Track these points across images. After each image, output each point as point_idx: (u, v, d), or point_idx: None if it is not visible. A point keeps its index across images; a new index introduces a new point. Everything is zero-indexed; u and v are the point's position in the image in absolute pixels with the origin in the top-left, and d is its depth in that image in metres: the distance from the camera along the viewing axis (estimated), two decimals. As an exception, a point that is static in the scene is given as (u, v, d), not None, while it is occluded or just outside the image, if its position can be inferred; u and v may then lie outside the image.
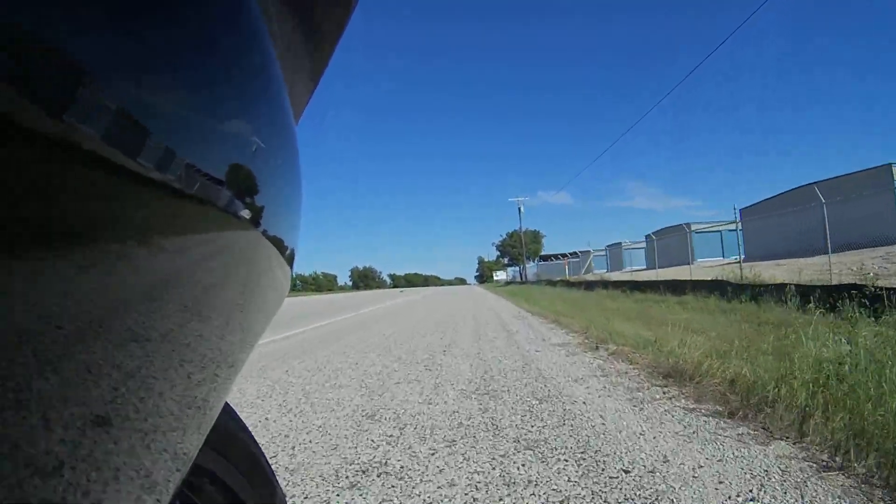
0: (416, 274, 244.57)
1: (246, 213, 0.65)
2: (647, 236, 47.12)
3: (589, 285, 30.33)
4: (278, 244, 0.82)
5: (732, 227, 39.26)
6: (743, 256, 38.10)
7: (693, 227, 39.74)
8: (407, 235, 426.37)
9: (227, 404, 0.99)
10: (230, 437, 1.11)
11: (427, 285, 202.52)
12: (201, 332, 0.58)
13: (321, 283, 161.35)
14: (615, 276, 33.61)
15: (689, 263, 39.38)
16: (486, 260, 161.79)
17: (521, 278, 76.00)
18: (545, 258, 76.17)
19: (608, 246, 56.24)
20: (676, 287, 18.73)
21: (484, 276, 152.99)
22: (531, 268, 76.75)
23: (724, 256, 42.79)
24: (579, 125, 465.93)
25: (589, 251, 53.70)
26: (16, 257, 0.32)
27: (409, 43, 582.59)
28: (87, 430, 0.40)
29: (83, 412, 0.40)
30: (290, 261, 0.93)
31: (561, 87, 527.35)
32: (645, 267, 47.37)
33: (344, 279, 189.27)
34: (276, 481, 1.27)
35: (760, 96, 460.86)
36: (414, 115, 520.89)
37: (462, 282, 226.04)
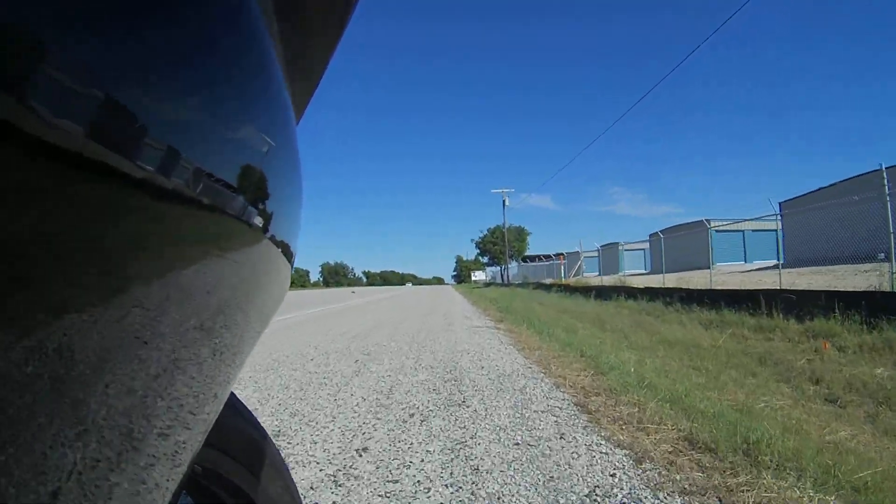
0: (392, 272, 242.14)
1: (251, 215, 0.65)
2: (652, 235, 41.29)
3: (601, 293, 22.29)
4: (282, 245, 0.82)
5: (759, 226, 32.92)
6: (782, 261, 31.05)
7: (713, 225, 32.50)
8: (385, 234, 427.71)
9: (238, 401, 1.07)
10: (237, 434, 1.10)
11: (403, 284, 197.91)
12: (205, 333, 0.57)
13: None
14: (642, 279, 25.35)
15: (706, 268, 32.89)
16: (464, 259, 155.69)
17: (503, 279, 68.99)
18: (531, 258, 68.30)
19: (602, 246, 49.42)
20: (795, 305, 10.44)
21: (461, 276, 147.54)
22: (513, 268, 70.29)
23: (746, 261, 35.99)
24: (571, 126, 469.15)
25: (578, 252, 47.05)
26: (21, 259, 0.32)
27: (404, 43, 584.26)
28: (85, 429, 0.40)
29: (82, 411, 0.39)
30: (291, 261, 0.93)
31: (551, 88, 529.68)
32: (647, 271, 39.90)
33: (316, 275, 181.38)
34: (290, 477, 1.25)
35: (747, 104, 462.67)
36: (397, 114, 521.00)
37: (440, 281, 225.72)
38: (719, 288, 15.10)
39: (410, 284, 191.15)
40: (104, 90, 0.37)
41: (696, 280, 18.81)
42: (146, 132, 0.41)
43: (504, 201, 65.33)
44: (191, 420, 0.57)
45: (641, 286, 19.85)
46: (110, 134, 0.38)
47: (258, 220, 0.66)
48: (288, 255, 0.87)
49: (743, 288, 13.93)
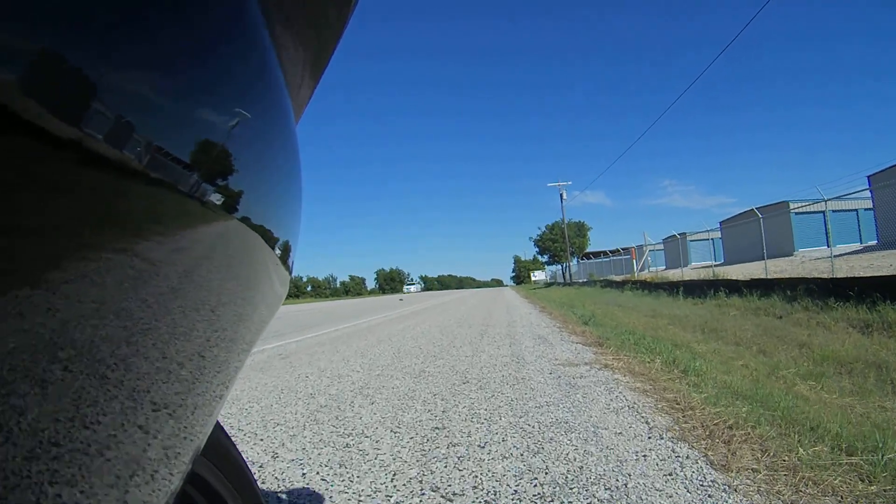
0: (450, 276, 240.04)
1: (244, 214, 0.65)
2: (723, 222, 38.42)
3: (690, 289, 18.55)
4: (275, 244, 0.81)
5: (840, 206, 28.86)
6: (876, 241, 27.17)
7: (792, 207, 28.86)
8: (441, 237, 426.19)
9: None
10: (214, 441, 1.06)
11: (462, 287, 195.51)
12: (187, 334, 0.56)
13: (320, 286, 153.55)
14: (723, 269, 21.79)
15: (788, 255, 29.26)
16: (522, 259, 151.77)
17: (565, 278, 65.21)
18: (593, 255, 65.03)
19: (666, 238, 46.64)
20: None
21: (520, 277, 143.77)
22: (573, 266, 67.52)
23: (828, 245, 31.72)
24: (623, 121, 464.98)
25: (643, 245, 44.27)
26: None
27: (444, 45, 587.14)
28: (71, 432, 0.40)
29: (70, 416, 0.39)
30: (286, 260, 0.91)
31: (599, 85, 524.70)
32: (718, 262, 36.32)
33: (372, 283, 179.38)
34: (257, 485, 1.23)
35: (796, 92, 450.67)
36: (449, 116, 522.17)
37: (499, 283, 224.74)
38: (862, 275, 11.58)
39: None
40: (101, 88, 0.38)
41: (797, 267, 15.67)
42: (141, 132, 0.42)
43: (562, 195, 61.38)
44: (176, 427, 0.56)
45: (745, 278, 16.10)
46: (106, 132, 0.38)
47: (253, 220, 0.66)
48: (283, 255, 0.85)
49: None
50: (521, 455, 3.35)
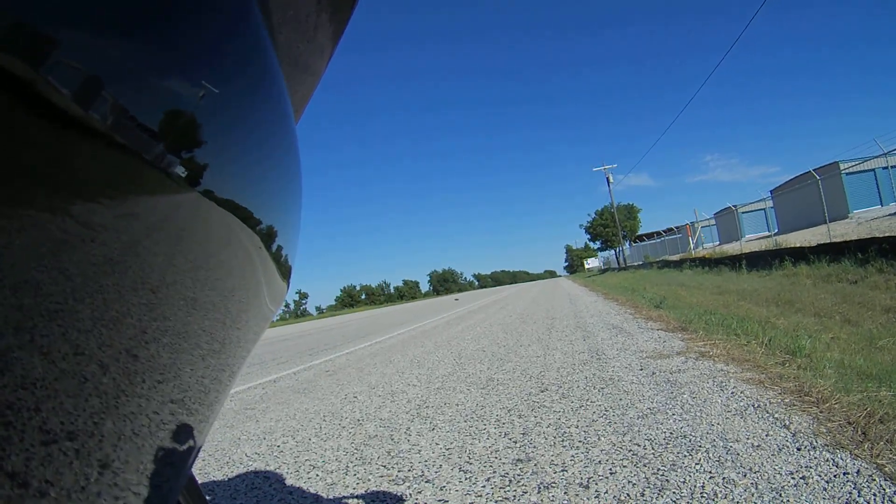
0: (503, 271, 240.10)
1: (248, 219, 0.63)
2: (773, 191, 37.12)
3: (753, 261, 17.84)
4: (273, 249, 0.77)
5: (892, 161, 26.86)
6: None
7: (843, 167, 27.53)
8: (492, 234, 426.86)
9: None
10: None
11: (515, 282, 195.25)
12: (173, 340, 0.52)
13: (374, 294, 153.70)
14: (775, 238, 20.61)
15: (843, 218, 27.75)
16: (573, 248, 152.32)
17: (619, 263, 64.02)
18: (647, 236, 64.15)
19: (718, 213, 45.78)
20: None
21: (573, 266, 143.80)
22: (626, 249, 67.31)
23: (882, 204, 29.61)
24: (663, 96, 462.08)
25: (694, 222, 43.60)
26: None
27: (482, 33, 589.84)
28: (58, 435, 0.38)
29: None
30: (283, 267, 0.84)
31: (642, 58, 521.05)
32: (772, 232, 34.95)
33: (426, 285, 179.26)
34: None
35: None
36: (491, 107, 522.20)
37: (552, 274, 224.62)
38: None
39: (531, 282, 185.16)
40: (105, 87, 0.38)
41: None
42: (140, 132, 0.42)
43: (608, 178, 60.78)
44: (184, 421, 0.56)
45: (811, 244, 15.59)
46: (110, 139, 0.38)
47: (255, 222, 0.65)
48: (281, 262, 0.80)
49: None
50: (642, 495, 2.44)
